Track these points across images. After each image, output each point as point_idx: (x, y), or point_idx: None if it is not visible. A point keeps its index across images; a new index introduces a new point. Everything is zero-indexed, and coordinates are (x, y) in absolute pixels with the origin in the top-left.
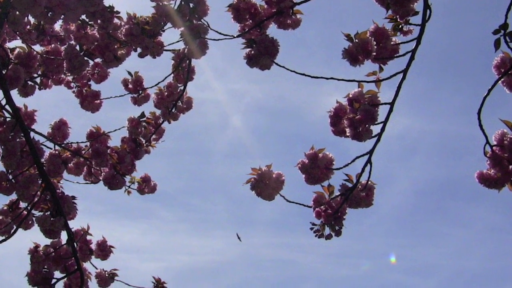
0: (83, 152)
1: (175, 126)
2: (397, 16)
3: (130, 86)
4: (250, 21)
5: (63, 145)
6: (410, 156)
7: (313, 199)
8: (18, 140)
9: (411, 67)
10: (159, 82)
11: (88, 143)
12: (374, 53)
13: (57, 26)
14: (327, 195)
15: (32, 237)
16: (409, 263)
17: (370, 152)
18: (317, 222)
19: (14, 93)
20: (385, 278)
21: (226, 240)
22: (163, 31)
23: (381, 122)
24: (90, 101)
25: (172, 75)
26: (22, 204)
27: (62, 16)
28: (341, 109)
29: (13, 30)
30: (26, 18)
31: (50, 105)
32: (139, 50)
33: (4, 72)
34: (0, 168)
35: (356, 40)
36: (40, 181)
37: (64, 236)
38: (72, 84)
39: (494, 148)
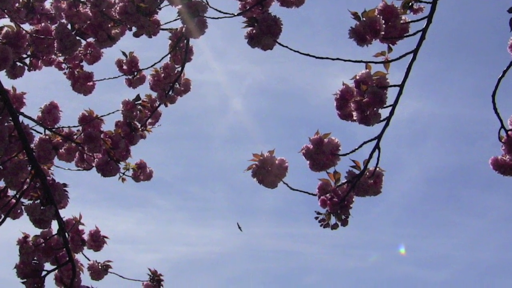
0: (75, 137)
1: (172, 110)
2: None
3: (124, 67)
4: None
5: (53, 129)
6: (420, 141)
7: (318, 186)
8: (6, 124)
9: (421, 47)
10: (155, 63)
11: (80, 128)
12: (383, 32)
13: (48, 4)
14: (333, 182)
15: (21, 227)
16: (420, 254)
17: (378, 137)
18: (322, 211)
19: (2, 74)
20: (394, 270)
21: (226, 230)
22: (160, 9)
23: (390, 105)
24: (82, 83)
25: (169, 55)
26: (11, 192)
27: None
28: (347, 91)
29: (1, 8)
30: None
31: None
32: (134, 29)
33: None
34: None
35: (364, 19)
36: (29, 168)
37: (55, 226)
38: (63, 65)
39: (509, 132)
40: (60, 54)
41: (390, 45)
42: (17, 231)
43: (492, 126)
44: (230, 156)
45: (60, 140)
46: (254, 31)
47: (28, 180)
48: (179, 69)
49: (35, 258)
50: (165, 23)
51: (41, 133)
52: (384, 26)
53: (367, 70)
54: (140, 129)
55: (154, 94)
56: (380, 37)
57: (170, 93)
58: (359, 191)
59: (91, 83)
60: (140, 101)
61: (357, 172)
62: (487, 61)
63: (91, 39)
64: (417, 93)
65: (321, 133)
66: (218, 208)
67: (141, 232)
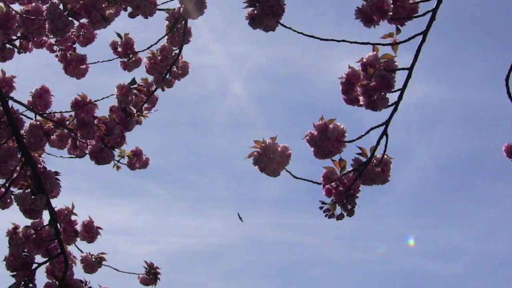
0: (67, 123)
1: (170, 94)
2: None
3: (119, 49)
4: None
5: (45, 115)
6: (430, 127)
7: (322, 175)
8: None
9: (431, 28)
10: (151, 45)
11: (72, 113)
12: (391, 13)
13: None
14: (338, 170)
15: (10, 217)
16: (430, 246)
17: (386, 123)
18: (327, 200)
19: None
20: (402, 262)
21: (226, 221)
22: None
23: (398, 90)
24: (75, 66)
25: (166, 37)
26: (0, 181)
27: None
28: (353, 75)
29: None
30: None
31: (31, 71)
32: (129, 9)
33: None
34: None
35: None
36: (19, 155)
37: (46, 216)
38: (55, 47)
39: None
40: (52, 36)
41: (399, 26)
42: (6, 222)
43: (505, 111)
44: (230, 143)
45: (52, 126)
46: (255, 11)
47: (18, 168)
48: (177, 51)
49: (26, 250)
50: (162, 3)
51: (32, 119)
52: (392, 6)
53: (375, 53)
54: (135, 115)
55: (150, 78)
56: (388, 17)
57: (167, 76)
58: (366, 179)
59: (84, 66)
60: (135, 85)
61: (363, 159)
62: (500, 43)
63: (84, 20)
64: (427, 76)
65: (326, 118)
66: (217, 197)
67: (136, 223)
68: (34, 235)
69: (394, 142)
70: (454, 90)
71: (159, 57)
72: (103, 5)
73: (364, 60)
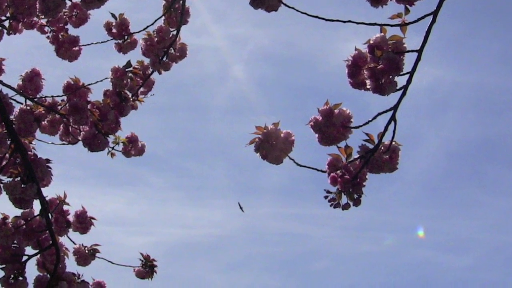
0: (59, 107)
1: (167, 78)
2: None
3: (114, 30)
4: None
5: (35, 99)
6: (441, 112)
7: (327, 162)
8: None
9: (442, 8)
10: (147, 26)
11: (65, 97)
12: None
13: None
14: (344, 158)
15: None
16: (440, 237)
17: (395, 108)
18: (333, 189)
19: None
20: (411, 254)
21: (226, 211)
22: None
23: (407, 73)
24: (67, 48)
25: (163, 17)
26: None
27: None
28: (360, 57)
29: None
30: None
31: (21, 53)
32: None
33: None
34: None
35: None
36: (8, 142)
37: (37, 206)
38: (46, 28)
39: None
40: (43, 16)
41: (408, 6)
42: None
43: None
44: (231, 128)
45: (43, 111)
46: None
47: (7, 155)
48: (174, 32)
49: (15, 242)
50: None
51: (22, 104)
52: None
53: (382, 34)
54: (131, 99)
55: (146, 60)
56: None
57: (164, 59)
58: (373, 167)
59: (77, 48)
60: (131, 68)
61: (370, 146)
62: None
63: (76, 0)
64: (437, 59)
65: (331, 103)
66: (217, 186)
67: (132, 213)
68: (24, 226)
69: (403, 128)
70: (465, 73)
71: (156, 39)
72: None
73: (371, 41)
